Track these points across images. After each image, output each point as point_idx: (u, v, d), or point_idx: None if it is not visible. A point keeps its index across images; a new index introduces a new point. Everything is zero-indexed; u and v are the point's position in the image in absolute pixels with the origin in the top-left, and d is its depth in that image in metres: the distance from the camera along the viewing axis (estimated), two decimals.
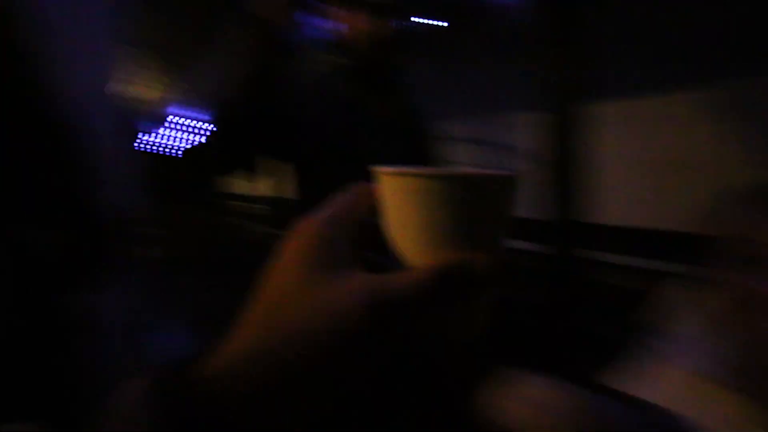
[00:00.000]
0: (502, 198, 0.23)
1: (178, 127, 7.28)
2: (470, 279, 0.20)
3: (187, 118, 7.05)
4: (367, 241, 0.23)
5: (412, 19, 2.20)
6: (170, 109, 6.94)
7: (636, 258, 2.34)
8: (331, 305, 0.19)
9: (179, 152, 6.89)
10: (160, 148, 7.29)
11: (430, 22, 2.84)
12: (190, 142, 7.19)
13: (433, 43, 2.72)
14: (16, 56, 0.72)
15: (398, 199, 0.22)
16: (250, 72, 0.81)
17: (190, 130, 7.24)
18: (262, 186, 3.11)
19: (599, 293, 2.01)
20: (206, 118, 5.88)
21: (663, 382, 0.56)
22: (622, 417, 0.49)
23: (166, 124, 7.24)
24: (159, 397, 0.18)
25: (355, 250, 0.21)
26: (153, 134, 7.56)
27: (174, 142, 7.28)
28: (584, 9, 1.91)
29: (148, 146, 7.44)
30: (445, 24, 2.91)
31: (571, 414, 0.46)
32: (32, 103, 0.74)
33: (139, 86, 5.14)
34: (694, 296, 0.59)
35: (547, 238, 1.96)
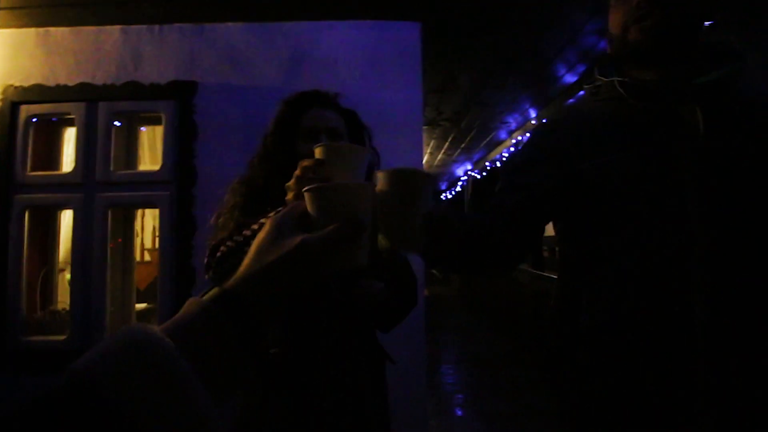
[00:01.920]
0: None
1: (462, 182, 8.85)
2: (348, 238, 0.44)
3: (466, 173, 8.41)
4: (303, 223, 0.45)
5: None
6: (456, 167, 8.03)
7: None
8: (285, 247, 0.40)
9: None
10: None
11: None
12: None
13: None
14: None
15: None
16: None
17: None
18: None
19: None
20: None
21: None
22: None
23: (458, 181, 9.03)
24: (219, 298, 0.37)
25: (298, 225, 0.44)
26: (447, 192, 10.55)
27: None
28: None
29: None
30: None
31: None
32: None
33: (436, 154, 6.29)
34: None
35: None
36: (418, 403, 1.97)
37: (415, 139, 2.11)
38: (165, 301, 2.02)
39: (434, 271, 10.78)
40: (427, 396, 2.10)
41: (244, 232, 0.88)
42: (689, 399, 0.70)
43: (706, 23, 0.78)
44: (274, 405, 0.93)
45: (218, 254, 0.89)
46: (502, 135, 5.38)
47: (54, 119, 2.23)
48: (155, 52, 2.10)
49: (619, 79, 0.80)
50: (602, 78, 0.84)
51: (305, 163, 0.72)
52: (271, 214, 0.80)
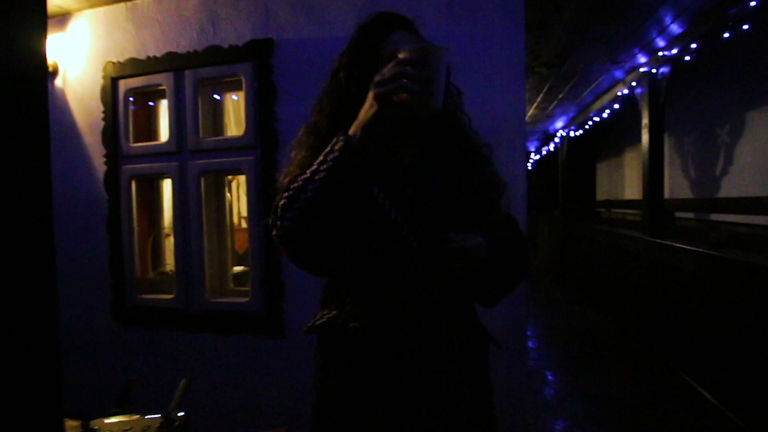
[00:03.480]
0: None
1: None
2: None
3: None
4: None
5: None
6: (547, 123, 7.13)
7: None
8: None
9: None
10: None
11: None
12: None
13: None
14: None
15: None
16: None
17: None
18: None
19: None
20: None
21: None
22: None
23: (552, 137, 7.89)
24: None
25: None
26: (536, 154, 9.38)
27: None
28: None
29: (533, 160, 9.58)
30: None
31: None
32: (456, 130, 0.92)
33: (527, 109, 5.73)
34: None
35: None
36: (517, 390, 1.77)
37: (516, 84, 1.79)
38: (255, 264, 2.05)
39: None
40: (528, 382, 1.87)
41: (299, 179, 0.78)
42: None
43: None
44: (355, 388, 0.82)
45: (276, 206, 0.79)
46: (605, 83, 4.59)
47: (150, 91, 2.32)
48: (231, 13, 2.03)
49: None
50: None
51: (402, 56, 0.71)
52: (335, 143, 0.76)
